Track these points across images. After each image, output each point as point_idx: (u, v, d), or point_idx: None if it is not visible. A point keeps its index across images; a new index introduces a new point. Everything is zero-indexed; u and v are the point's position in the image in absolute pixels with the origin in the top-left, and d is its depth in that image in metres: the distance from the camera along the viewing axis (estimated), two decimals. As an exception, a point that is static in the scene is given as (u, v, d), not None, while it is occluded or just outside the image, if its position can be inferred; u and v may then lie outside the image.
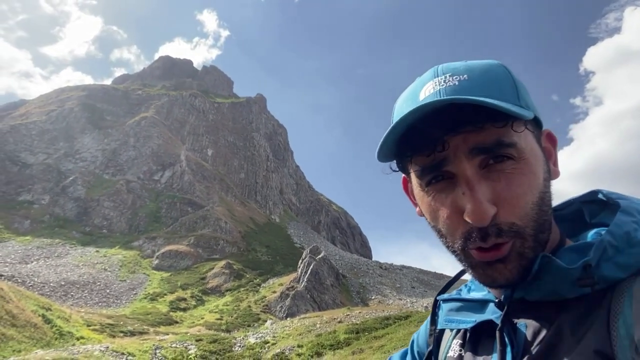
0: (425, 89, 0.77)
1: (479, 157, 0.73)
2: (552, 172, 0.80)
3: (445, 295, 0.97)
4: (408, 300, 53.30)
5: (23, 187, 68.88)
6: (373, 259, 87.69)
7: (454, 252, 0.79)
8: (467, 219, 0.72)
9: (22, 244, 52.90)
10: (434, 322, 0.97)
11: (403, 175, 0.91)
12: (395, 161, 0.84)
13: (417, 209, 0.88)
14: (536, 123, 0.79)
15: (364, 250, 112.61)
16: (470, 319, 0.86)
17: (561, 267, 0.70)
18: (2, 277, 35.45)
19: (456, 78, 0.74)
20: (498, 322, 0.78)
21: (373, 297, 55.11)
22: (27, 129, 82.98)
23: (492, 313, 0.82)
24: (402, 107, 0.80)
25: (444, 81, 0.75)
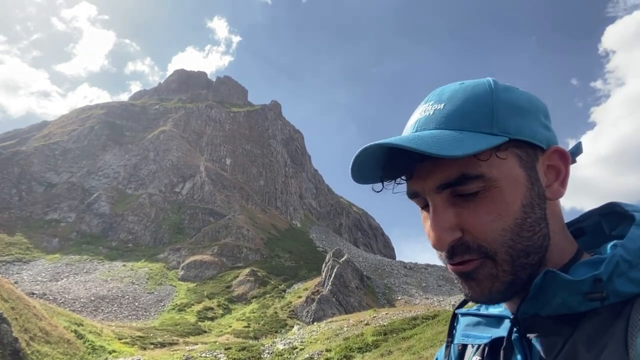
0: (415, 113, 0.83)
1: (445, 192, 0.76)
2: (553, 192, 0.79)
3: (464, 310, 0.96)
4: (435, 299, 52.75)
5: (50, 206, 70.57)
6: (397, 259, 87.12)
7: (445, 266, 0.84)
8: (430, 242, 0.78)
9: (52, 262, 54.17)
10: (451, 334, 0.97)
11: None
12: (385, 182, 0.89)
13: None
14: (528, 144, 0.78)
15: (387, 250, 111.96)
16: (487, 335, 0.87)
17: (568, 280, 0.70)
18: (34, 296, 36.31)
19: (435, 107, 0.79)
20: (512, 338, 0.79)
21: (399, 298, 54.71)
22: (51, 149, 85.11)
23: (508, 329, 0.82)
24: (405, 127, 0.85)
25: (425, 110, 0.81)
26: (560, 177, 0.81)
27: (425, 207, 0.82)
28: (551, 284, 0.72)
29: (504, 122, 0.76)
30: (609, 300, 0.68)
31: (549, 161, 0.80)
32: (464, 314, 0.96)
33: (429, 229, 0.80)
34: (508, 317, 0.84)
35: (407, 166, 0.79)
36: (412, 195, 0.82)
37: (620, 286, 0.68)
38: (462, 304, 0.99)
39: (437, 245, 0.76)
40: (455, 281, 0.82)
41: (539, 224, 0.77)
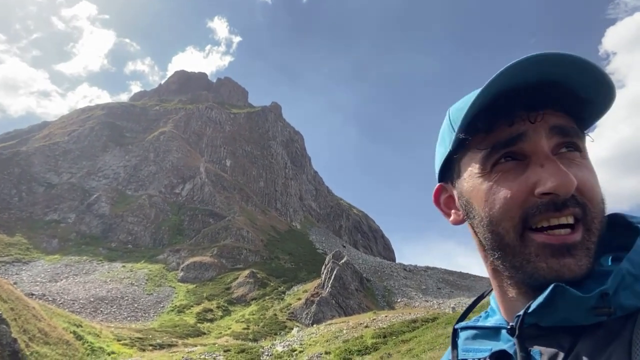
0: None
1: (555, 138, 0.75)
2: None
3: (463, 324, 0.95)
4: (435, 302, 52.71)
5: (49, 207, 70.56)
6: (397, 261, 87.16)
7: (506, 245, 0.76)
8: (546, 189, 0.71)
9: (51, 263, 54.13)
10: (454, 349, 0.95)
11: (437, 185, 0.94)
12: (450, 150, 0.85)
13: (452, 217, 0.89)
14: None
15: (387, 252, 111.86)
16: (486, 347, 0.85)
17: (576, 296, 0.68)
18: (34, 296, 36.26)
19: None
20: (511, 351, 0.77)
21: (399, 300, 54.66)
22: (51, 149, 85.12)
23: (507, 340, 0.81)
24: None
25: None
26: None
27: (503, 162, 0.77)
28: (559, 298, 0.70)
29: None
30: (616, 314, 0.67)
31: None
32: (463, 328, 0.95)
33: (518, 186, 0.75)
34: (505, 328, 0.82)
35: (519, 110, 0.76)
36: (513, 140, 0.76)
37: (625, 300, 0.68)
38: (462, 317, 0.99)
39: (567, 185, 0.70)
40: (526, 265, 0.75)
41: None
